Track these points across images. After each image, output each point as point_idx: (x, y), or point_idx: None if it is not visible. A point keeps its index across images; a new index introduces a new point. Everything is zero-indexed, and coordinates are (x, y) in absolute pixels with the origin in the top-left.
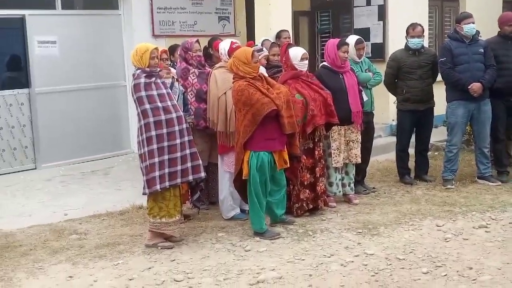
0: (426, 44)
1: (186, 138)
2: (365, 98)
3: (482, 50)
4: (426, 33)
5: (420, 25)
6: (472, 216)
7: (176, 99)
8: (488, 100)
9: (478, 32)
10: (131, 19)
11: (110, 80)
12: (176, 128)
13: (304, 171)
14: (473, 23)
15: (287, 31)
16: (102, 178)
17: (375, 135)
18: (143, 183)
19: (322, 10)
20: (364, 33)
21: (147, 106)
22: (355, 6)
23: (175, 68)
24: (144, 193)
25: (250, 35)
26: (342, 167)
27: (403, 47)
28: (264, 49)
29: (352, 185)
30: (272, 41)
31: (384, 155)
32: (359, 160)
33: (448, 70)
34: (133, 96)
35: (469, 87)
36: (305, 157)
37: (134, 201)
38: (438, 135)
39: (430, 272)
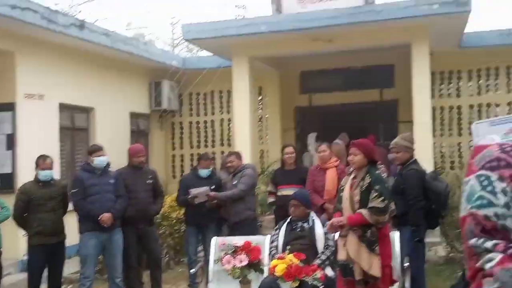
0: (58, 174)
1: None
2: None
3: (113, 181)
4: (58, 163)
5: (49, 157)
6: None
7: None
8: (119, 230)
9: (108, 164)
10: None
11: None
12: None
13: None
14: (103, 155)
15: None
16: None
17: (4, 272)
18: None
19: None
20: None
21: None
22: None
23: None
24: None
25: None
26: None
27: (33, 179)
28: None
29: None
30: None
31: None
32: None
33: (79, 201)
34: None
35: (99, 218)
36: None
37: None
38: (71, 267)
39: None
